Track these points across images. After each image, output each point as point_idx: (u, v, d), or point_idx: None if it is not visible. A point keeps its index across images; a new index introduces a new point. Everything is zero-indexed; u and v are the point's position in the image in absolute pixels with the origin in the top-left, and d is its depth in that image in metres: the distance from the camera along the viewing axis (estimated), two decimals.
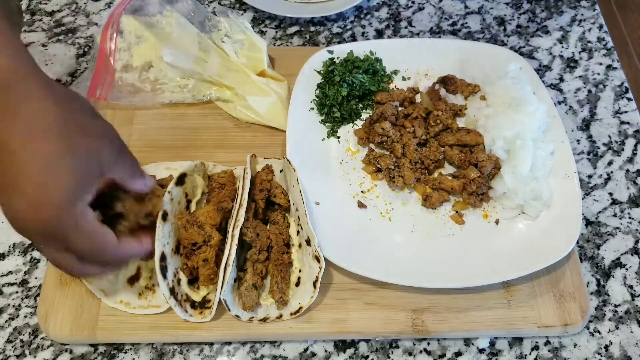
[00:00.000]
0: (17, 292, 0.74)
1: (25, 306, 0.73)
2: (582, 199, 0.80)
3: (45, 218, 0.51)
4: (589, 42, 0.98)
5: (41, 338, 0.71)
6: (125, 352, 0.70)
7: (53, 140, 0.50)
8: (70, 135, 0.52)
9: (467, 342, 0.71)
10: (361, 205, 0.78)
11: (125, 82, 0.86)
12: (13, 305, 0.73)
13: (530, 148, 0.77)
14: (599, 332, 0.72)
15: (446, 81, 0.87)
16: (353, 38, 0.99)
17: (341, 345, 0.71)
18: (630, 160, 0.85)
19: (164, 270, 0.67)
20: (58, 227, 0.52)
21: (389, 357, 0.70)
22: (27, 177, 0.50)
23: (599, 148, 0.87)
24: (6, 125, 0.49)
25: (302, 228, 0.72)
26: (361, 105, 0.87)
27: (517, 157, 0.77)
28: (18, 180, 0.50)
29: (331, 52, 0.89)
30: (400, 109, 0.86)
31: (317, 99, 0.87)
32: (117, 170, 0.57)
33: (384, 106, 0.84)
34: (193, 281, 0.71)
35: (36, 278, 0.75)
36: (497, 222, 0.77)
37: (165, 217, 0.69)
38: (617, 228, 0.79)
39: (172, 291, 0.68)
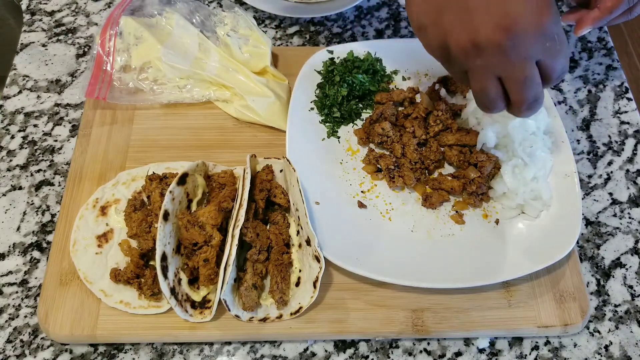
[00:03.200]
0: (17, 292, 0.74)
1: (25, 306, 0.73)
2: (582, 199, 0.80)
3: (550, 14, 0.55)
4: (589, 42, 0.98)
5: (41, 338, 0.71)
6: (125, 352, 0.70)
7: None
8: None
9: (467, 342, 0.71)
10: (361, 205, 0.78)
11: (124, 82, 0.86)
12: (13, 305, 0.73)
13: (534, 151, 0.77)
14: (599, 332, 0.72)
15: (446, 81, 0.87)
16: (353, 38, 0.99)
17: (341, 345, 0.71)
18: (630, 160, 0.85)
19: (164, 270, 0.67)
20: (555, 26, 0.56)
21: (389, 357, 0.70)
22: None
23: (599, 148, 0.87)
24: None
25: (302, 228, 0.72)
26: (361, 105, 0.87)
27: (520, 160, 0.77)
28: None
29: (331, 52, 0.89)
30: (400, 109, 0.86)
31: (317, 99, 0.87)
32: None
33: (384, 106, 0.84)
34: (193, 281, 0.71)
35: (36, 278, 0.75)
36: (497, 222, 0.77)
37: (166, 216, 0.70)
38: (617, 228, 0.79)
39: (173, 291, 0.68)
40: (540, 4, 0.55)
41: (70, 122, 0.88)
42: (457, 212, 0.78)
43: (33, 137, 0.87)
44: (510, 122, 0.78)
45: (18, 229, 0.79)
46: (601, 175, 0.84)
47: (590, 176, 0.84)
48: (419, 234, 0.76)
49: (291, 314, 0.70)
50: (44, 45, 0.97)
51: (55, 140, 0.87)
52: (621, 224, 0.80)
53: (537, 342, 0.71)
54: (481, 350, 0.71)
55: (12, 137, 0.87)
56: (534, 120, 0.78)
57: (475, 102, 0.65)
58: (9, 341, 0.71)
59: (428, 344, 0.71)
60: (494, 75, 0.59)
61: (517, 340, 0.71)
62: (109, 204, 0.77)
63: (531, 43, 0.55)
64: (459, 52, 0.58)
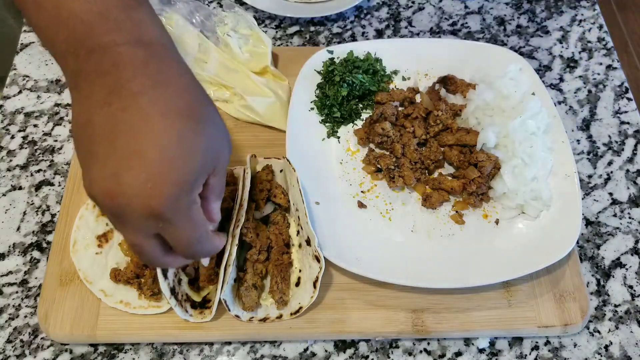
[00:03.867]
0: (17, 292, 0.74)
1: (25, 306, 0.73)
2: (582, 199, 0.80)
3: (164, 196, 0.46)
4: (589, 42, 0.98)
5: (41, 338, 0.71)
6: (125, 352, 0.70)
7: (191, 118, 0.48)
8: (204, 119, 0.49)
9: (467, 342, 0.71)
10: (361, 205, 0.78)
11: None
12: (13, 305, 0.73)
13: (535, 151, 0.77)
14: (599, 332, 0.72)
15: (446, 81, 0.87)
16: (353, 38, 0.99)
17: (341, 345, 0.71)
18: (630, 160, 0.85)
19: (164, 270, 0.67)
20: (170, 209, 0.47)
21: (389, 357, 0.70)
22: (156, 148, 0.46)
23: (599, 148, 0.87)
24: (155, 93, 0.47)
25: (302, 228, 0.72)
26: (361, 105, 0.87)
27: (521, 161, 0.77)
28: (143, 149, 0.45)
29: (331, 52, 0.89)
30: (400, 109, 0.86)
31: (317, 99, 0.87)
32: (219, 177, 0.53)
33: (384, 106, 0.84)
34: (193, 281, 0.71)
35: (36, 278, 0.75)
36: (497, 222, 0.77)
37: None
38: (617, 228, 0.79)
39: (173, 291, 0.68)
40: (155, 188, 0.46)
41: (70, 122, 0.88)
42: (457, 212, 0.78)
43: (33, 137, 0.87)
44: (510, 122, 0.78)
45: (18, 229, 0.79)
46: (601, 175, 0.84)
47: (590, 176, 0.84)
48: (419, 234, 0.76)
49: (291, 314, 0.70)
50: (44, 45, 0.97)
51: (55, 140, 0.87)
52: (621, 224, 0.80)
53: (537, 342, 0.71)
54: (481, 350, 0.71)
55: (12, 137, 0.87)
56: (534, 120, 0.79)
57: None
58: (9, 341, 0.71)
59: (428, 344, 0.71)
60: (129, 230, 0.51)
61: (517, 340, 0.71)
62: None
63: (139, 220, 0.48)
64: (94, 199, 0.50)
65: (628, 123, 0.89)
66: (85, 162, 0.48)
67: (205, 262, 0.65)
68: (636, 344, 0.71)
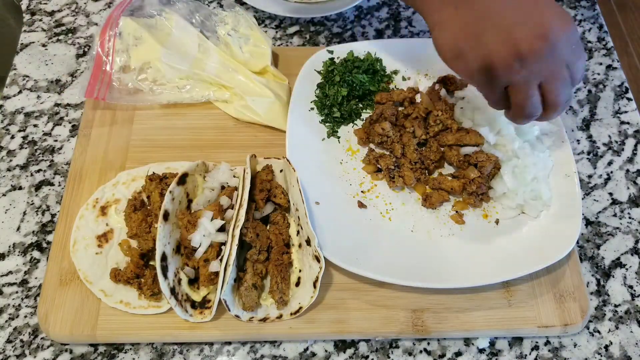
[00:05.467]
0: (17, 292, 0.74)
1: (25, 306, 0.73)
2: (582, 199, 0.80)
3: (570, 44, 0.62)
4: (589, 42, 0.98)
5: (41, 338, 0.71)
6: (125, 352, 0.70)
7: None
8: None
9: (467, 342, 0.71)
10: (361, 205, 0.78)
11: (123, 82, 0.86)
12: (13, 305, 0.73)
13: (530, 150, 0.77)
14: (599, 332, 0.72)
15: (446, 81, 0.87)
16: (353, 38, 0.99)
17: (341, 345, 0.71)
18: (630, 160, 0.85)
19: (164, 270, 0.67)
20: (568, 53, 0.63)
21: (389, 357, 0.70)
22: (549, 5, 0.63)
23: (599, 148, 0.87)
24: None
25: (302, 228, 0.72)
26: (361, 105, 0.87)
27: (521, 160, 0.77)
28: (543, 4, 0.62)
29: (331, 52, 0.89)
30: (400, 109, 0.86)
31: (317, 99, 0.87)
32: None
33: (384, 106, 0.84)
34: (193, 281, 0.71)
35: (36, 278, 0.75)
36: (497, 222, 0.77)
37: (166, 217, 0.70)
38: (617, 228, 0.79)
39: (173, 291, 0.68)
40: (563, 16, 0.63)
41: (70, 122, 0.88)
42: (457, 212, 0.78)
43: (33, 137, 0.87)
44: (510, 122, 0.78)
45: (18, 229, 0.79)
46: (601, 175, 0.84)
47: (590, 176, 0.84)
48: (419, 234, 0.76)
49: (291, 314, 0.70)
50: (44, 45, 0.97)
51: (55, 140, 0.87)
52: (621, 224, 0.80)
53: (537, 342, 0.71)
54: (481, 351, 0.71)
55: (12, 137, 0.87)
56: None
57: (512, 117, 0.68)
58: (9, 341, 0.71)
59: (428, 344, 0.71)
60: (536, 84, 0.64)
61: (517, 340, 0.71)
62: (109, 204, 0.77)
63: (563, 47, 0.62)
64: (503, 68, 0.62)
65: (628, 123, 0.89)
66: (498, 40, 0.62)
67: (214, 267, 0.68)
68: (636, 344, 0.71)
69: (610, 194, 0.82)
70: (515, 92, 0.65)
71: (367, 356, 0.70)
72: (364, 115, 0.87)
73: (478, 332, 0.70)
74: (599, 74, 0.94)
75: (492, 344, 0.71)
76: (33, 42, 0.97)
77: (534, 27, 0.62)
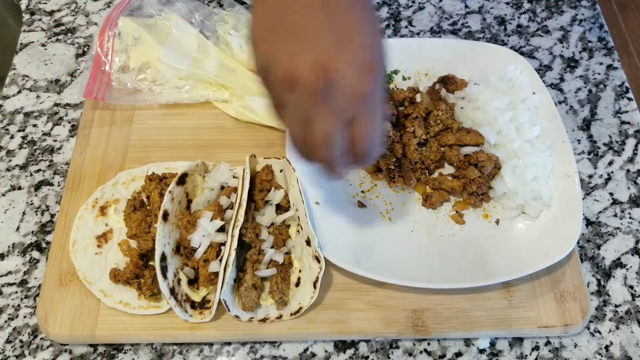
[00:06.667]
0: (16, 292, 0.74)
1: (25, 306, 0.73)
2: (583, 199, 0.80)
3: (373, 80, 0.48)
4: (590, 41, 0.98)
5: (41, 338, 0.71)
6: (125, 353, 0.70)
7: (376, 22, 0.53)
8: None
9: (467, 342, 0.71)
10: (361, 205, 0.78)
11: (122, 82, 0.86)
12: (12, 306, 0.73)
13: (532, 150, 0.77)
14: (599, 332, 0.72)
15: (446, 81, 0.87)
16: None
17: (341, 345, 0.71)
18: (631, 160, 0.85)
19: (164, 270, 0.67)
20: (373, 94, 0.49)
21: (389, 358, 0.70)
22: (363, 34, 0.49)
23: (599, 148, 0.86)
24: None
25: (302, 228, 0.72)
26: None
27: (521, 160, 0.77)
28: (354, 35, 0.48)
29: None
30: (400, 109, 0.86)
31: None
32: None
33: None
34: (193, 281, 0.71)
35: (36, 278, 0.75)
36: (497, 222, 0.77)
37: (166, 217, 0.69)
38: (618, 228, 0.79)
39: (172, 291, 0.68)
40: (367, 70, 0.49)
41: (69, 122, 0.88)
42: (457, 212, 0.78)
43: (32, 137, 0.87)
44: (500, 116, 0.78)
45: (17, 229, 0.79)
46: (602, 175, 0.84)
47: (590, 176, 0.84)
48: (419, 234, 0.76)
49: (291, 314, 0.70)
50: (43, 45, 0.97)
51: (55, 140, 0.86)
52: (622, 224, 0.80)
53: (537, 343, 0.71)
54: (481, 351, 0.71)
55: (12, 137, 0.87)
56: (527, 112, 0.79)
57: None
58: (8, 341, 0.71)
59: (428, 344, 0.71)
60: (302, 118, 0.52)
61: (517, 341, 0.71)
62: (109, 204, 0.77)
63: (345, 98, 0.49)
64: (276, 79, 0.51)
65: (628, 123, 0.89)
66: (286, 46, 0.49)
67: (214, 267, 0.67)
68: (637, 344, 0.71)
69: (611, 194, 0.82)
70: (284, 114, 0.55)
71: (367, 356, 0.70)
72: None
73: (478, 333, 0.70)
74: (599, 73, 0.94)
75: (492, 344, 0.71)
76: (32, 42, 0.97)
77: (324, 52, 0.48)
